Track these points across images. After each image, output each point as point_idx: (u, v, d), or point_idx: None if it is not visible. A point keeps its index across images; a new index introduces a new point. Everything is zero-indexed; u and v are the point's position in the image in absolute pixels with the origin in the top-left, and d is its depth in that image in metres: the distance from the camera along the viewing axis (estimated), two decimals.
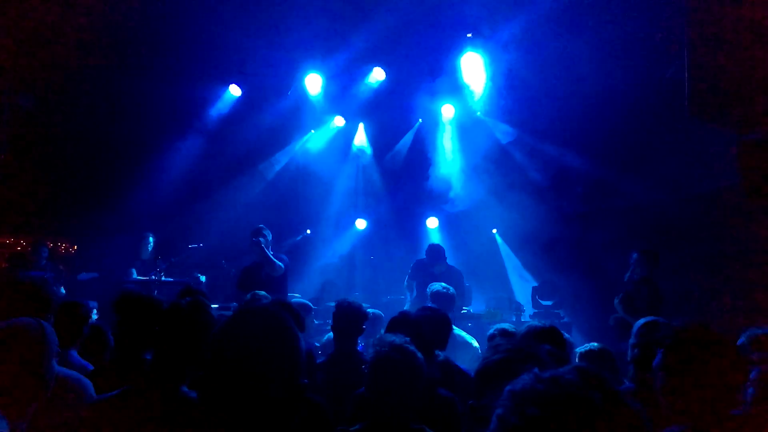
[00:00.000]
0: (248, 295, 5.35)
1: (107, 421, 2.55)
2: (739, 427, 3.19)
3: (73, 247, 11.30)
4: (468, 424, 2.36)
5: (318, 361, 4.71)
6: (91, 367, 3.66)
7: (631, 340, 4.20)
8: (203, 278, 9.41)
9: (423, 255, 8.82)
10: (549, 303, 9.58)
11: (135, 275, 9.33)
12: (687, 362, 2.55)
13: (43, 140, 10.44)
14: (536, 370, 1.19)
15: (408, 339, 3.00)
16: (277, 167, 11.92)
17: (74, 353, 3.78)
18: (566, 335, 5.12)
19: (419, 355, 2.92)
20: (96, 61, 9.68)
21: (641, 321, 4.36)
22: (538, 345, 2.66)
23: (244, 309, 1.86)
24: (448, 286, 6.42)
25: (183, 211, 10.58)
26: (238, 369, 1.63)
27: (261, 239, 7.72)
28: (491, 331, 4.82)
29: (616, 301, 7.09)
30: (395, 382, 2.82)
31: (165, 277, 9.00)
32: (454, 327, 5.37)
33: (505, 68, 9.88)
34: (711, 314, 7.39)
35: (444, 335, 4.54)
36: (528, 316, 9.19)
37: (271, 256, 7.68)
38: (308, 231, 11.41)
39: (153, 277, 8.91)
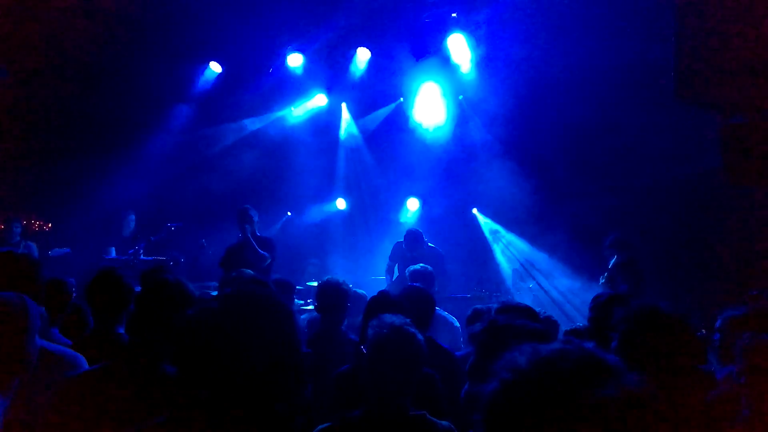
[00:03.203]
0: (233, 273, 5.30)
1: (84, 396, 2.53)
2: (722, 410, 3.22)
3: (47, 225, 11.11)
4: (465, 410, 2.32)
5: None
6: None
7: (588, 314, 4.22)
8: (182, 258, 9.34)
9: (402, 237, 8.78)
10: (531, 284, 9.66)
11: (113, 254, 9.21)
12: (641, 345, 2.56)
13: (18, 114, 10.20)
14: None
15: (408, 320, 2.91)
16: (256, 145, 11.81)
17: (56, 331, 3.73)
18: (549, 314, 5.17)
19: (419, 336, 2.84)
20: (73, 35, 9.47)
21: (594, 295, 4.38)
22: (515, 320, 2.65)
23: (231, 294, 1.79)
24: (427, 266, 6.44)
25: (163, 189, 10.45)
26: (230, 357, 1.59)
27: (247, 227, 7.62)
28: (470, 313, 4.84)
29: (601, 281, 7.17)
30: (396, 366, 2.73)
31: (144, 256, 8.90)
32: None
33: (488, 48, 9.85)
34: (693, 295, 7.47)
35: (428, 314, 4.52)
36: (510, 297, 9.23)
37: (257, 247, 7.59)
38: (289, 213, 11.36)
39: (132, 255, 8.80)
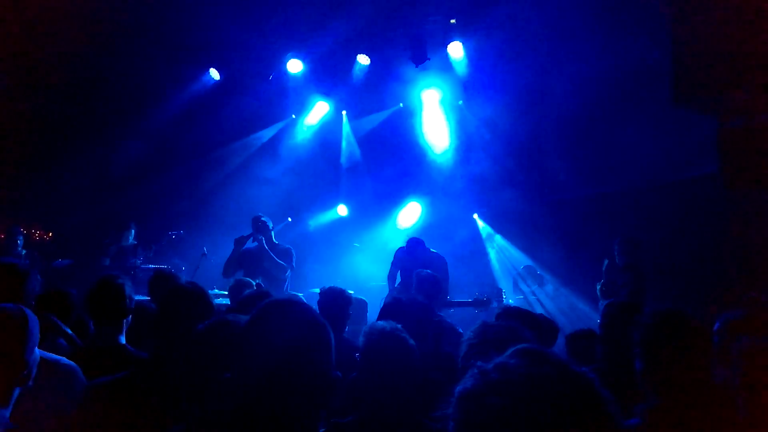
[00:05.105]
0: (232, 280, 5.33)
1: (108, 406, 2.53)
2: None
3: (48, 234, 11.10)
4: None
5: None
6: None
7: (600, 321, 4.23)
8: (183, 266, 9.32)
9: (404, 243, 8.76)
10: (532, 288, 9.65)
11: (108, 263, 9.18)
12: (664, 340, 2.64)
13: (16, 122, 10.19)
14: (479, 363, 1.15)
15: (399, 326, 2.92)
16: (256, 152, 11.83)
17: (62, 341, 3.75)
18: (549, 317, 5.19)
19: (411, 341, 2.86)
20: (71, 41, 9.47)
21: (607, 301, 4.39)
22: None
23: (273, 303, 1.78)
24: (435, 273, 6.43)
25: (163, 197, 10.46)
26: (277, 367, 1.60)
27: (262, 236, 7.56)
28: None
29: (598, 287, 7.16)
30: (386, 371, 2.74)
31: (144, 264, 8.88)
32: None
33: (487, 54, 9.89)
34: (690, 299, 7.46)
35: (426, 321, 4.53)
36: (510, 302, 9.22)
37: (275, 257, 7.57)
38: (289, 219, 11.35)
39: (132, 264, 8.79)
